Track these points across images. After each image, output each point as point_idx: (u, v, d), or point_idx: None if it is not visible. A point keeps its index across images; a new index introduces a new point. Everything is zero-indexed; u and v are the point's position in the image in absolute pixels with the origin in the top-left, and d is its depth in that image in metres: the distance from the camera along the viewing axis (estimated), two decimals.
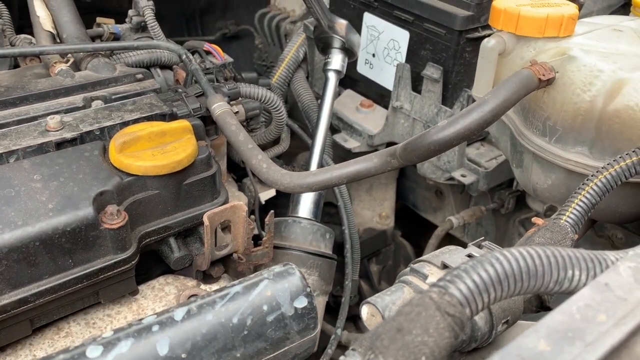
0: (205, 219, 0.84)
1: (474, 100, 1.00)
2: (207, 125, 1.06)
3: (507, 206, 1.40)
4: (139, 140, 0.87)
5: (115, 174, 0.84)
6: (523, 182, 0.94)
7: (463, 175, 1.26)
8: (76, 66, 1.10)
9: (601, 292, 0.42)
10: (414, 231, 1.93)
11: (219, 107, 1.01)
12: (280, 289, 0.58)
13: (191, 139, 0.90)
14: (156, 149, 0.88)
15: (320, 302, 1.15)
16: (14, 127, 0.92)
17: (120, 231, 0.81)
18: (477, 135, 0.96)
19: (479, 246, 0.60)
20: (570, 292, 0.46)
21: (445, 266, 0.57)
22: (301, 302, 0.58)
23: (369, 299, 0.54)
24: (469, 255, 0.58)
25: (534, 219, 0.83)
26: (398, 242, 1.74)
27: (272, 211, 1.00)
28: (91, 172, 0.83)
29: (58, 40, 1.16)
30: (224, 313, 0.54)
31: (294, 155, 1.59)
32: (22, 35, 1.18)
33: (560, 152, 0.82)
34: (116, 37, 1.30)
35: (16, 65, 1.16)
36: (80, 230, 0.78)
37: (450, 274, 0.44)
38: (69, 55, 1.08)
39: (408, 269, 0.58)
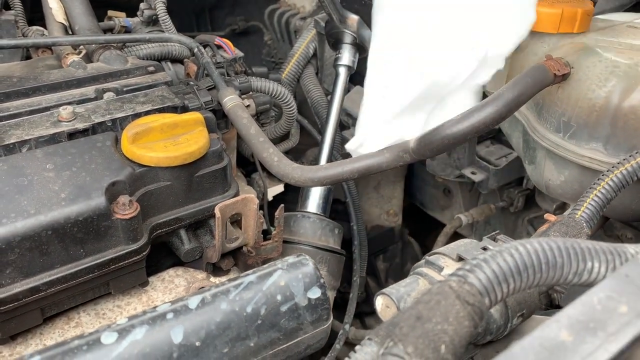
0: (216, 210, 0.84)
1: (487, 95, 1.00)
2: (217, 118, 1.06)
3: (516, 205, 1.40)
4: (151, 131, 0.87)
5: (127, 164, 0.84)
6: (535, 178, 0.93)
7: (473, 173, 1.26)
8: (88, 58, 1.11)
9: (622, 283, 0.41)
10: (421, 229, 1.93)
11: (230, 100, 1.01)
12: (294, 279, 0.58)
13: (203, 131, 0.90)
14: (168, 140, 0.88)
15: (329, 298, 1.14)
16: (26, 117, 0.93)
17: (132, 222, 0.81)
18: (491, 129, 0.96)
19: (494, 239, 0.60)
20: (589, 284, 0.46)
21: (460, 258, 0.57)
22: (315, 293, 0.58)
23: (383, 290, 0.54)
24: (484, 248, 0.57)
25: (546, 216, 0.83)
26: (405, 240, 1.74)
27: (282, 205, 1.00)
28: (103, 163, 0.83)
29: (70, 32, 1.16)
30: (238, 302, 0.54)
31: (302, 151, 1.59)
32: (35, 27, 1.18)
33: (575, 148, 0.82)
34: (127, 31, 1.30)
35: (28, 57, 1.17)
36: (92, 220, 0.78)
37: (470, 264, 0.44)
38: (81, 47, 1.08)
39: (423, 261, 0.58)
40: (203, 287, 0.95)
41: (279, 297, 0.56)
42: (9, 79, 0.98)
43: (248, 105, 1.07)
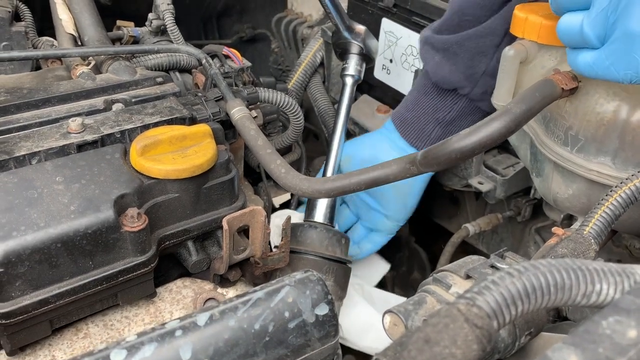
0: (224, 223, 0.84)
1: (494, 109, 0.99)
2: (225, 129, 1.07)
3: (523, 214, 1.39)
4: (160, 143, 0.87)
5: (136, 177, 0.85)
6: (543, 191, 0.93)
7: (480, 183, 1.25)
8: (97, 69, 1.12)
9: (631, 306, 0.41)
10: (428, 237, 1.92)
11: (238, 111, 1.01)
12: (302, 295, 0.58)
13: (211, 143, 0.91)
14: (177, 152, 0.88)
15: (336, 314, 1.14)
16: (36, 129, 0.93)
17: (141, 234, 0.82)
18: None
19: (502, 256, 0.60)
20: (598, 306, 0.46)
21: (468, 276, 0.57)
22: (322, 310, 0.58)
23: (391, 308, 0.54)
24: (493, 266, 0.58)
25: (554, 229, 0.83)
26: (412, 248, 1.74)
27: (288, 215, 1.00)
28: (112, 175, 0.84)
29: (80, 43, 1.17)
30: (246, 319, 0.54)
31: (311, 159, 1.59)
32: (45, 38, 1.19)
33: (582, 162, 0.81)
34: (135, 40, 1.31)
35: (38, 67, 1.18)
36: (100, 233, 0.79)
37: (478, 286, 0.44)
38: (90, 58, 1.09)
39: (430, 278, 0.58)
40: (210, 299, 0.96)
41: (286, 314, 0.56)
42: (20, 90, 0.99)
43: (256, 116, 1.08)
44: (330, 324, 0.59)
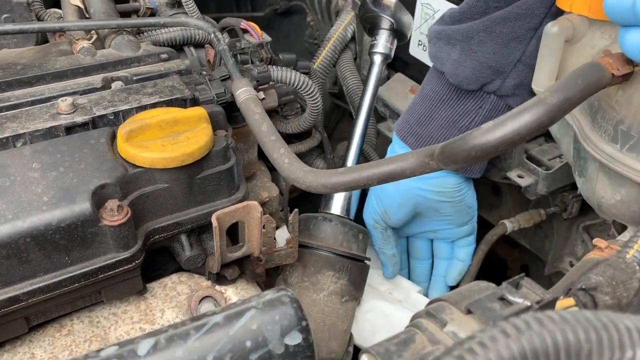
0: (213, 219, 0.76)
1: (534, 94, 0.86)
2: (234, 111, 0.98)
3: (570, 210, 1.24)
4: (148, 128, 0.79)
5: (120, 164, 0.77)
6: (586, 194, 0.80)
7: (520, 176, 1.12)
8: (102, 44, 1.04)
9: None
10: None
11: (243, 92, 0.92)
12: (269, 321, 0.49)
13: (206, 129, 0.82)
14: (167, 138, 0.80)
15: (350, 309, 1.05)
16: (26, 108, 0.87)
17: (122, 228, 0.74)
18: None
19: (516, 285, 0.48)
20: None
21: (469, 311, 0.46)
22: (294, 339, 0.49)
23: (370, 347, 0.44)
24: (502, 299, 0.46)
25: (595, 241, 0.70)
26: None
27: (296, 210, 0.91)
28: (94, 162, 0.77)
29: (87, 16, 1.10)
30: (197, 349, 0.46)
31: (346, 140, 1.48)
32: (52, 10, 1.13)
33: (634, 162, 0.68)
34: (153, 12, 1.23)
35: (45, 41, 1.12)
36: (76, 227, 0.72)
37: (470, 342, 0.33)
38: (92, 32, 1.01)
39: (424, 310, 0.47)
40: (207, 297, 0.89)
41: (248, 343, 0.47)
42: (14, 67, 0.93)
43: (263, 98, 0.98)
44: (304, 355, 0.49)
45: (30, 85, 0.91)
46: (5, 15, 1.03)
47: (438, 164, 0.73)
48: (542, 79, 0.79)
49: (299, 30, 1.96)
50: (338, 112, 1.79)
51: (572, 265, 1.37)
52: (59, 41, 1.09)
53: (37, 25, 0.95)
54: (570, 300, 0.50)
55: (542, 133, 1.17)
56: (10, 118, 0.84)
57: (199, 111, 0.83)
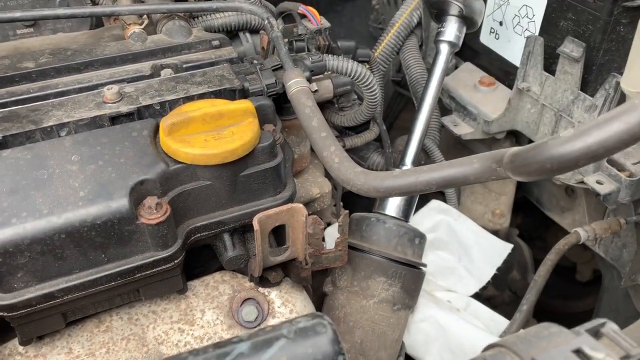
0: (255, 222, 0.71)
1: (622, 94, 0.75)
2: (286, 102, 0.92)
3: None
4: (191, 121, 0.75)
5: (161, 159, 0.73)
6: None
7: (599, 183, 1.00)
8: (154, 29, 1.01)
9: None
10: (534, 231, 1.67)
11: (295, 83, 0.86)
12: (301, 354, 0.43)
13: (252, 123, 0.77)
14: (211, 133, 0.75)
15: (402, 317, 0.98)
16: (73, 95, 0.85)
17: (160, 227, 0.71)
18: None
19: (596, 334, 0.40)
20: None
21: None
22: None
23: None
24: (578, 351, 0.38)
25: None
26: (514, 243, 1.50)
27: (346, 211, 0.85)
28: (135, 156, 0.73)
29: (142, 0, 1.07)
30: None
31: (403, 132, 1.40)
32: None
33: None
34: None
35: (99, 25, 1.10)
36: (112, 224, 0.69)
37: None
38: (144, 16, 0.98)
39: (482, 356, 0.40)
40: (250, 299, 0.84)
41: None
42: (64, 52, 0.91)
43: (316, 91, 0.92)
44: None
45: (79, 71, 0.89)
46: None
47: (507, 172, 0.65)
48: (635, 77, 0.68)
49: (363, 14, 1.88)
50: (401, 101, 1.70)
51: None
52: (112, 25, 1.06)
53: (87, 10, 0.92)
54: None
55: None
56: (57, 106, 0.82)
57: (246, 104, 0.77)
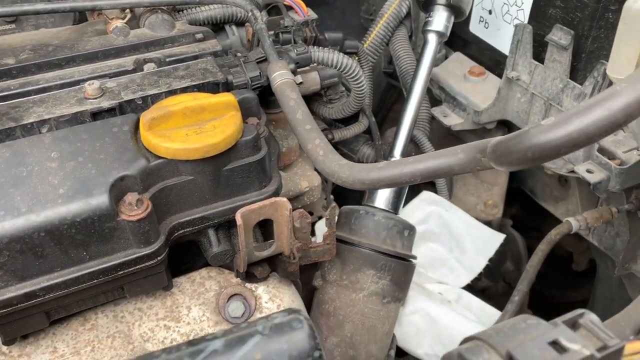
0: (238, 217, 0.70)
1: (611, 81, 0.74)
2: (273, 95, 0.91)
3: None
4: (171, 116, 0.74)
5: (142, 155, 0.72)
6: None
7: (589, 171, 0.99)
8: (137, 23, 1.00)
9: None
10: (527, 221, 1.66)
11: (279, 76, 0.85)
12: (276, 351, 0.42)
13: (235, 117, 0.76)
14: (192, 127, 0.74)
15: (392, 310, 0.97)
16: (54, 92, 0.84)
17: (142, 223, 0.70)
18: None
19: (573, 325, 0.39)
20: None
21: (510, 357, 0.37)
22: None
23: None
24: (554, 343, 0.37)
25: None
26: (507, 234, 1.49)
27: (334, 204, 0.84)
28: (115, 152, 0.72)
29: None
30: None
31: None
32: None
33: None
34: None
35: (84, 20, 1.08)
36: (93, 221, 0.68)
37: None
38: (127, 10, 0.97)
39: (456, 350, 0.39)
40: (236, 294, 0.84)
41: None
42: (45, 48, 0.90)
43: (301, 83, 0.91)
44: None
45: (61, 67, 0.88)
46: None
47: (490, 162, 0.64)
48: (621, 65, 0.67)
49: (354, 5, 1.86)
50: (394, 93, 1.69)
51: None
52: (95, 20, 1.05)
53: (68, 5, 0.91)
54: None
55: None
56: (38, 102, 0.81)
57: (228, 97, 0.76)
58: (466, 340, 0.41)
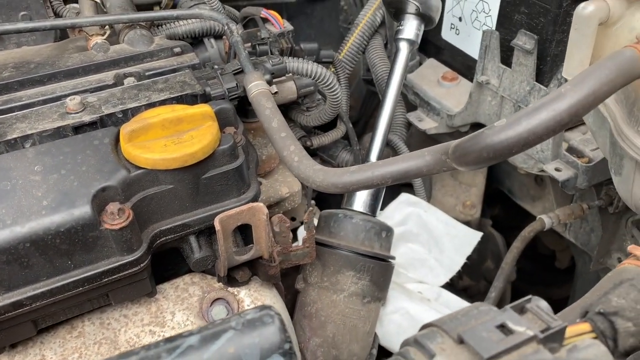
0: (216, 223, 0.73)
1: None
2: (250, 105, 0.94)
3: (616, 204, 1.15)
4: (150, 128, 0.77)
5: (122, 166, 0.75)
6: (623, 194, 0.72)
7: (557, 170, 1.03)
8: (117, 39, 1.03)
9: None
10: (506, 220, 1.70)
11: (255, 86, 0.88)
12: (248, 344, 0.45)
13: (212, 127, 0.79)
14: (170, 137, 0.77)
15: (372, 310, 1.01)
16: (37, 108, 0.86)
17: (124, 232, 0.72)
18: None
19: (521, 310, 0.43)
20: None
21: (461, 341, 0.40)
22: None
23: None
24: (502, 326, 0.41)
25: (630, 248, 0.63)
26: (487, 233, 1.53)
27: (310, 208, 0.87)
28: (96, 164, 0.75)
29: (105, 11, 1.08)
30: None
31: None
32: (71, 5, 1.12)
33: None
34: (175, 4, 1.21)
35: (65, 37, 1.11)
36: (76, 231, 0.70)
37: None
38: (107, 27, 0.99)
39: (413, 337, 0.42)
40: (219, 299, 0.86)
41: None
42: (27, 65, 0.92)
43: (276, 92, 0.94)
44: None
45: (42, 84, 0.90)
46: (22, 13, 1.03)
47: (452, 163, 0.67)
48: (574, 67, 0.71)
49: (333, 14, 1.90)
50: (374, 99, 1.73)
51: (620, 261, 1.28)
52: (76, 37, 1.08)
53: (49, 23, 0.94)
54: (586, 326, 0.44)
55: (580, 123, 1.08)
56: (20, 118, 0.84)
57: (204, 108, 0.80)
58: (424, 327, 0.44)
